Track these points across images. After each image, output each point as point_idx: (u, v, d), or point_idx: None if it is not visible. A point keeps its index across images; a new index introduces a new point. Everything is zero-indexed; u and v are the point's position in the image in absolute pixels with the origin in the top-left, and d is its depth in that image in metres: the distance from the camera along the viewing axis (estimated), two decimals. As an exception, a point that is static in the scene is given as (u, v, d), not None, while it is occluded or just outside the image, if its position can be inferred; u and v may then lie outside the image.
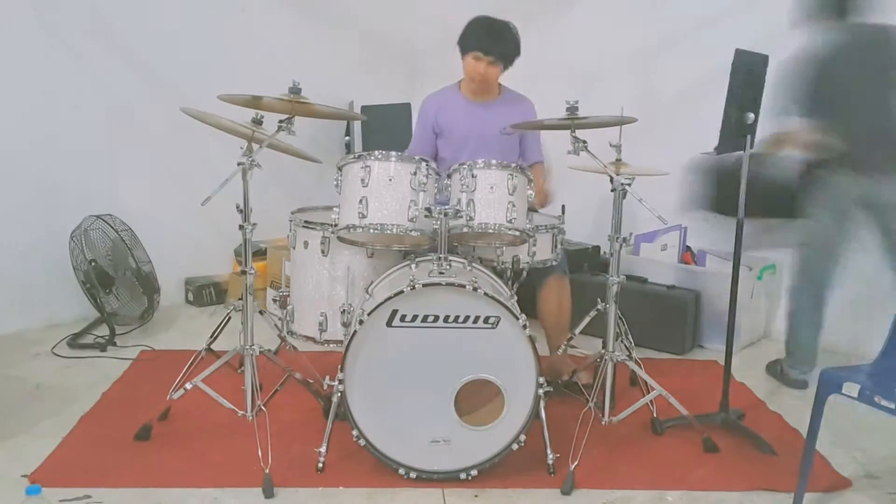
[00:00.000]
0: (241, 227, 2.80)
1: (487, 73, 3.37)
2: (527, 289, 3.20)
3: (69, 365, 3.66)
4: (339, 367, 2.62)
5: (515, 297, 2.93)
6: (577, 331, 3.35)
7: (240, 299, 2.89)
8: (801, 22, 3.37)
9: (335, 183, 2.90)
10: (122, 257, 4.01)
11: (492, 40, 3.35)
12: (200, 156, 4.20)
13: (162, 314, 4.29)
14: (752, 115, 2.85)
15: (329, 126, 5.00)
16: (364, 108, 4.92)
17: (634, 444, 2.97)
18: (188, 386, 2.85)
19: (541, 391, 2.65)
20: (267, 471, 2.60)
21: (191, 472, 2.70)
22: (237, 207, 2.79)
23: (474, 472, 2.64)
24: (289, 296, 3.21)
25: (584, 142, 2.89)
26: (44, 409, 3.15)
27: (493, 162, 2.83)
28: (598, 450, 2.85)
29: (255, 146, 2.81)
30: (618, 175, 2.88)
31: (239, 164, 2.72)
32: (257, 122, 2.86)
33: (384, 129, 4.78)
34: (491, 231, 2.81)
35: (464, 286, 2.55)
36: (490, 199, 2.79)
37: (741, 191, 2.93)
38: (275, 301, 4.16)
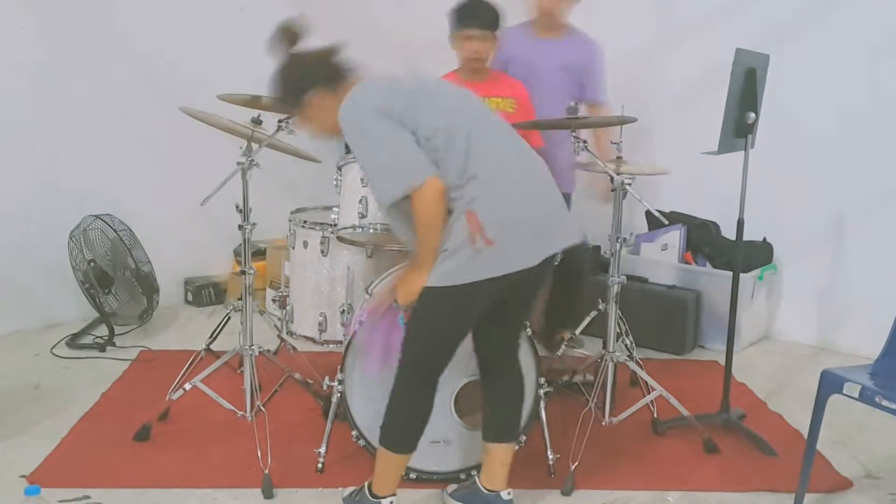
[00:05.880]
0: (240, 227, 2.80)
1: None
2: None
3: (68, 365, 3.65)
4: (339, 367, 2.61)
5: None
6: (578, 331, 3.35)
7: (239, 299, 2.88)
8: None
9: (335, 183, 2.89)
10: (121, 257, 4.01)
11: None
12: (200, 156, 4.20)
13: (161, 314, 4.28)
14: (752, 115, 2.84)
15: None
16: (364, 108, 4.91)
17: (635, 444, 2.96)
18: (187, 386, 2.85)
19: (541, 391, 2.64)
20: (266, 471, 2.59)
21: (190, 472, 2.69)
22: (236, 207, 2.79)
23: (474, 473, 2.63)
24: (288, 296, 3.21)
25: (585, 141, 2.89)
26: (43, 410, 3.15)
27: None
28: (599, 450, 2.84)
29: (254, 146, 2.81)
30: (618, 174, 2.87)
31: (238, 163, 2.71)
32: (257, 121, 2.86)
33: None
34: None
35: (464, 286, 2.54)
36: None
37: (741, 190, 2.93)
38: (274, 301, 4.16)
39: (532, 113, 3.34)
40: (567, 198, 3.65)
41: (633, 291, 3.84)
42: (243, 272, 2.84)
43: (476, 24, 3.19)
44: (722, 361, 3.12)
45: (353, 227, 2.77)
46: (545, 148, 3.36)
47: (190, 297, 4.64)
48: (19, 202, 3.99)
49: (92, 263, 3.95)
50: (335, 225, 2.87)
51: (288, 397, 3.16)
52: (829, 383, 2.38)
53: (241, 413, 2.84)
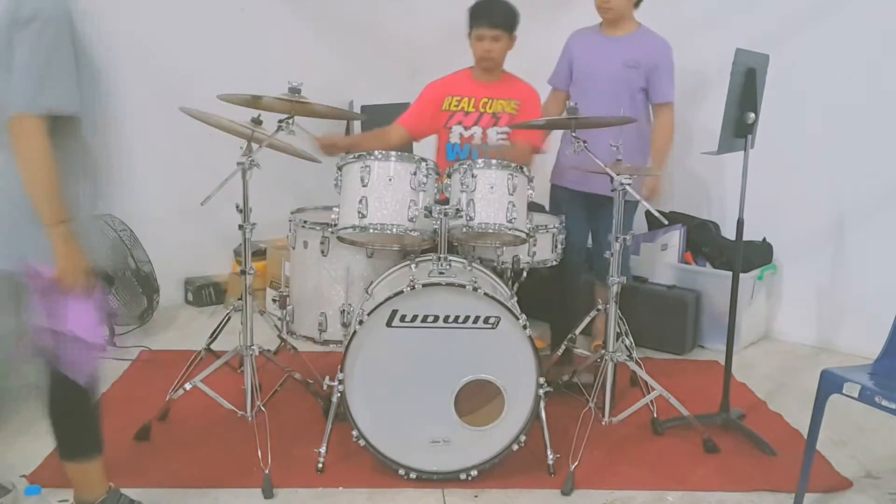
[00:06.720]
0: (240, 227, 2.80)
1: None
2: (527, 289, 3.19)
3: (68, 365, 3.65)
4: (339, 367, 2.62)
5: (515, 297, 2.93)
6: (577, 331, 3.35)
7: (239, 299, 2.88)
8: None
9: (335, 183, 2.89)
10: (121, 257, 4.01)
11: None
12: (200, 156, 4.19)
13: (161, 314, 4.28)
14: (752, 115, 2.85)
15: (329, 126, 4.99)
16: (364, 108, 4.91)
17: (635, 444, 2.97)
18: (188, 386, 2.85)
19: (541, 391, 2.64)
20: (266, 471, 2.60)
21: (190, 472, 2.69)
22: (237, 207, 2.79)
23: (474, 473, 2.64)
24: (288, 296, 3.21)
25: (585, 142, 2.89)
26: (43, 410, 3.14)
27: (494, 162, 2.82)
28: (599, 450, 2.84)
29: (254, 146, 2.81)
30: (618, 175, 2.87)
31: (238, 163, 2.71)
32: (257, 122, 2.86)
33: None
34: (491, 231, 2.80)
35: (464, 286, 2.55)
36: (490, 198, 2.78)
37: (741, 190, 2.93)
38: (274, 301, 4.15)
39: (538, 115, 3.35)
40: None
41: (633, 291, 3.84)
42: (243, 272, 2.83)
43: (487, 24, 3.21)
44: (722, 361, 3.12)
45: (353, 227, 2.77)
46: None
47: (190, 297, 4.64)
48: (19, 202, 3.98)
49: (92, 263, 3.94)
50: (335, 225, 2.87)
51: (288, 397, 3.16)
52: (829, 383, 2.38)
53: (241, 413, 2.84)
